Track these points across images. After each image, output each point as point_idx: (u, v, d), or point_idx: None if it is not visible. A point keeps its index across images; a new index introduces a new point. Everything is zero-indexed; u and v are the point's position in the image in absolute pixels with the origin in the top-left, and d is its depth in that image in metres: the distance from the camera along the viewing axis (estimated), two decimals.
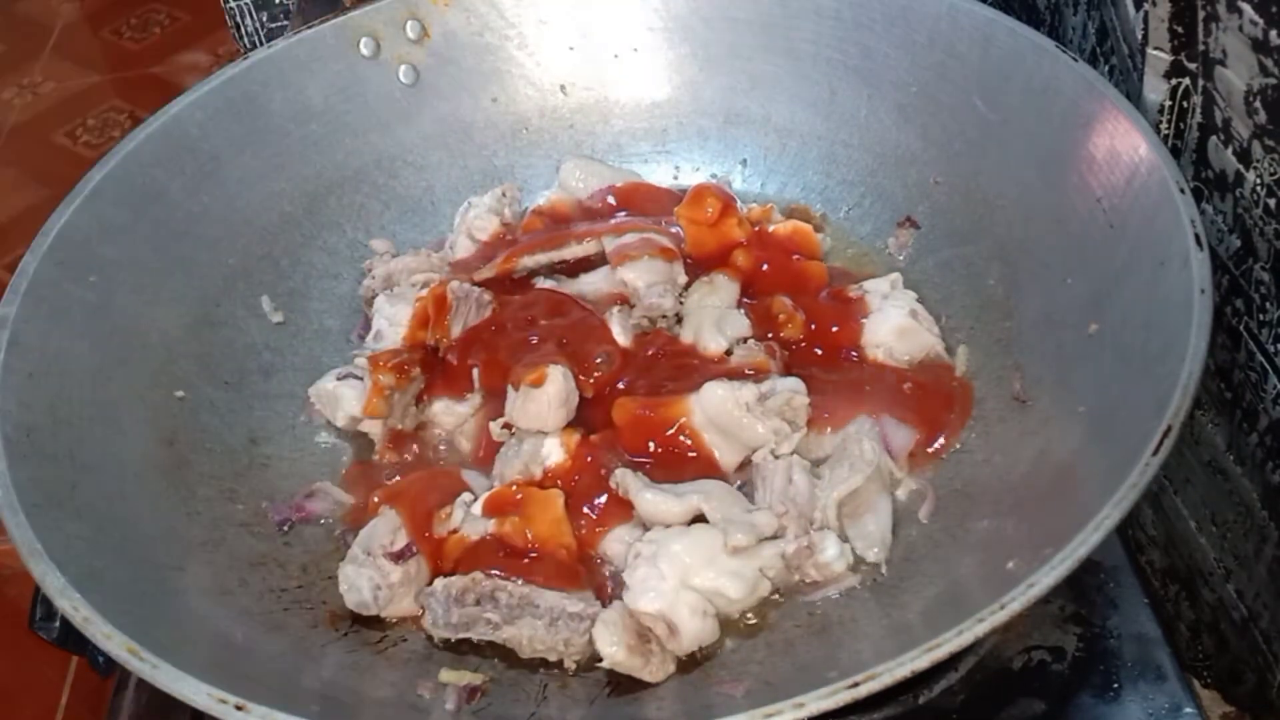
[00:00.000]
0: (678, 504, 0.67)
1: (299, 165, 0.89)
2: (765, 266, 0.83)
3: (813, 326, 0.79)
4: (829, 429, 0.73)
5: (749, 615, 0.66)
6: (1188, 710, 0.63)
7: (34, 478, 0.62)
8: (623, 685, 0.63)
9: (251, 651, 0.62)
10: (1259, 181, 0.65)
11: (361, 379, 0.77)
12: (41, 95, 2.50)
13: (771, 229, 0.85)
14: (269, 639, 0.64)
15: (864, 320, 0.78)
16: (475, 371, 0.77)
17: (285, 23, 1.36)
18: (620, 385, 0.75)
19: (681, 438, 0.71)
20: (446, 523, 0.70)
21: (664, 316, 0.80)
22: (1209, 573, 0.80)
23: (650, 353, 0.78)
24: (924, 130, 0.85)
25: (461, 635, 0.65)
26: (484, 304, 0.81)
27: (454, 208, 0.91)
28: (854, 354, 0.78)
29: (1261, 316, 0.68)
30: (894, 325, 0.77)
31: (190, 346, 0.79)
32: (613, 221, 0.86)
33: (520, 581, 0.65)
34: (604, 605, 0.65)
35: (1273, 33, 0.59)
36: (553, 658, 0.64)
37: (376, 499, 0.72)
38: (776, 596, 0.66)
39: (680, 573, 0.64)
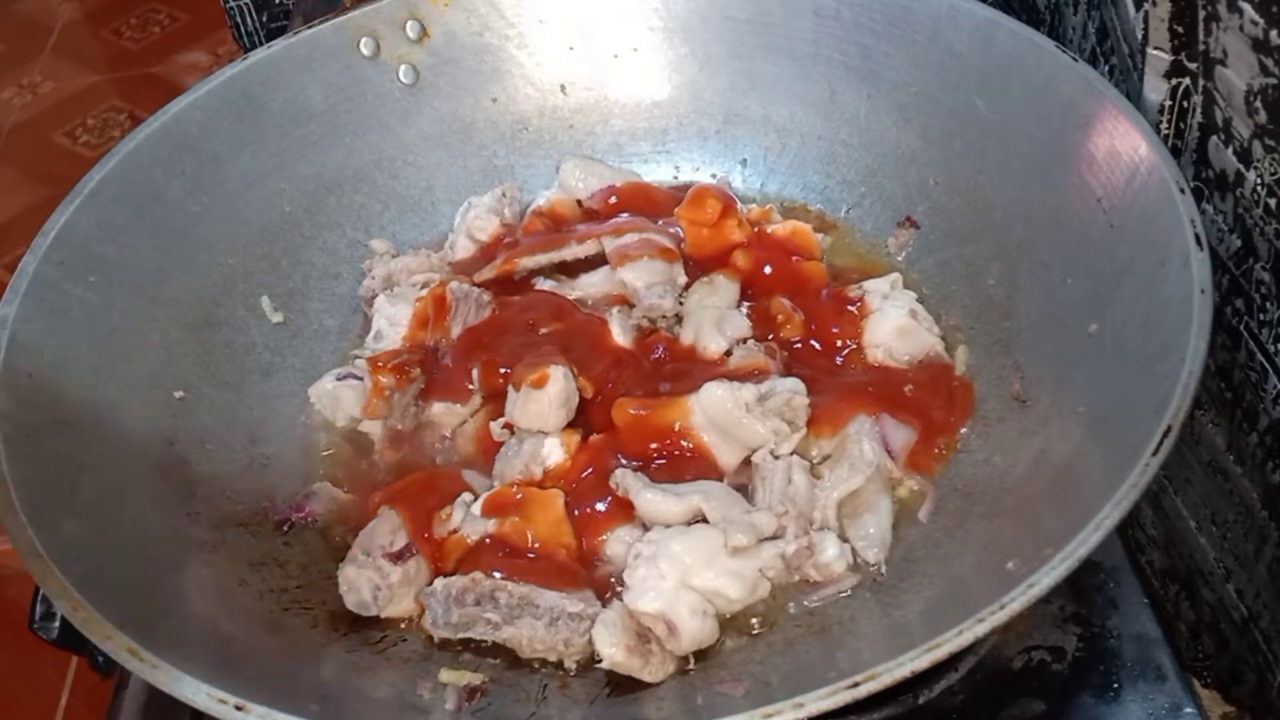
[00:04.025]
0: (678, 504, 0.67)
1: (299, 165, 0.89)
2: (768, 269, 0.83)
3: (812, 326, 0.79)
4: (829, 429, 0.73)
5: (749, 615, 0.66)
6: (1188, 710, 0.63)
7: (34, 478, 0.62)
8: (623, 685, 0.63)
9: (251, 651, 0.62)
10: (1259, 181, 0.65)
11: (361, 379, 0.77)
12: (41, 95, 2.50)
13: (770, 229, 0.85)
14: (269, 639, 0.64)
15: (864, 320, 0.78)
16: (475, 372, 0.77)
17: (285, 23, 1.36)
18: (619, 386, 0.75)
19: (681, 439, 0.71)
20: (446, 523, 0.70)
21: (664, 317, 0.80)
22: (1209, 573, 0.80)
23: (651, 356, 0.78)
24: (924, 130, 0.85)
25: (461, 635, 0.65)
26: (483, 304, 0.81)
27: (454, 208, 0.91)
28: (854, 354, 0.78)
29: (1262, 316, 0.68)
30: (894, 325, 0.77)
31: (190, 346, 0.79)
32: (613, 222, 0.86)
33: (520, 581, 0.65)
34: (604, 605, 0.65)
35: (1273, 32, 0.59)
36: (553, 658, 0.64)
37: (376, 499, 0.72)
38: (776, 597, 0.66)
39: (680, 573, 0.64)
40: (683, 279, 0.82)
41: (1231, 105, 0.65)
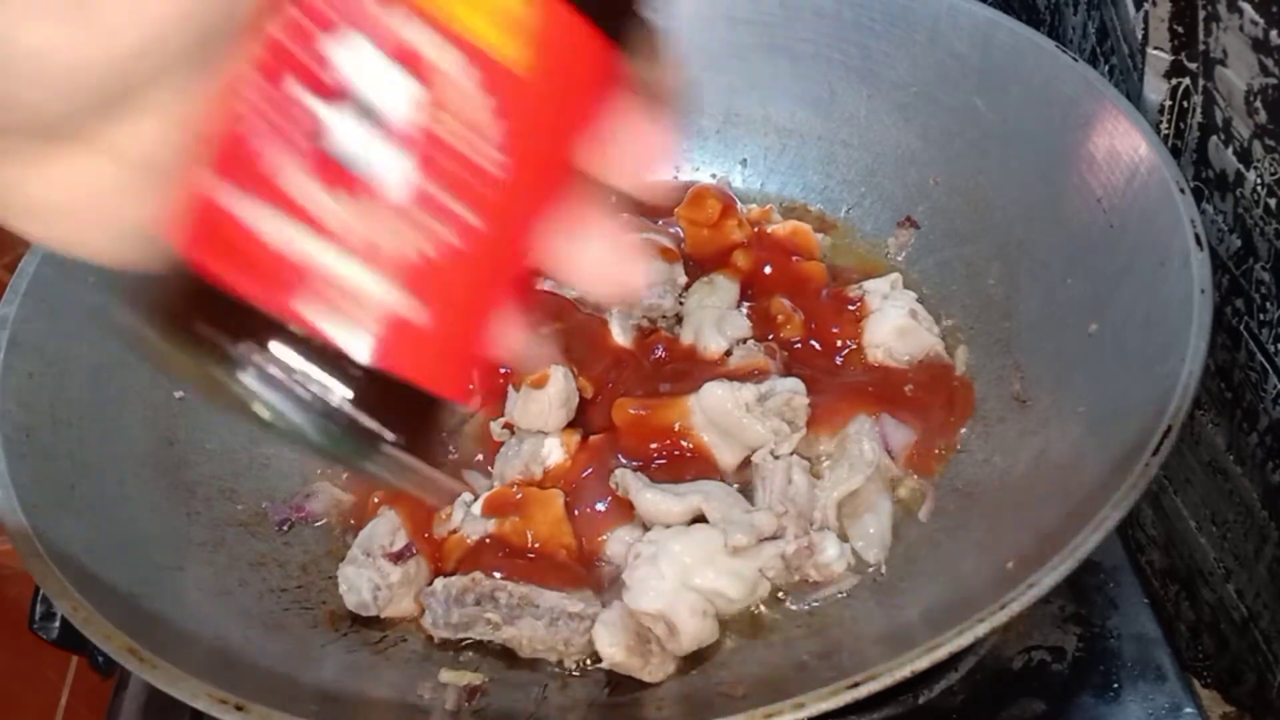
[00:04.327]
0: (678, 504, 0.67)
1: None
2: (768, 269, 0.83)
3: (812, 326, 0.79)
4: (829, 429, 0.73)
5: (749, 615, 0.66)
6: (1188, 710, 0.63)
7: (34, 478, 0.62)
8: (623, 685, 0.63)
9: (251, 651, 0.62)
10: (1259, 181, 0.65)
11: None
12: None
13: (770, 229, 0.85)
14: (269, 639, 0.64)
15: (864, 320, 0.78)
16: (474, 372, 0.77)
17: None
18: (619, 386, 0.75)
19: (681, 439, 0.71)
20: (446, 523, 0.70)
21: (664, 317, 0.80)
22: (1209, 573, 0.80)
23: (651, 356, 0.78)
24: (924, 130, 0.85)
25: (461, 635, 0.65)
26: None
27: None
28: (854, 354, 0.78)
29: (1262, 316, 0.68)
30: (894, 325, 0.77)
31: None
32: None
33: (520, 581, 0.65)
34: (604, 605, 0.65)
35: (1273, 32, 0.59)
36: (553, 658, 0.64)
37: (376, 499, 0.72)
38: (777, 596, 0.66)
39: (680, 573, 0.64)
40: (683, 279, 0.82)
41: (1231, 105, 0.65)
